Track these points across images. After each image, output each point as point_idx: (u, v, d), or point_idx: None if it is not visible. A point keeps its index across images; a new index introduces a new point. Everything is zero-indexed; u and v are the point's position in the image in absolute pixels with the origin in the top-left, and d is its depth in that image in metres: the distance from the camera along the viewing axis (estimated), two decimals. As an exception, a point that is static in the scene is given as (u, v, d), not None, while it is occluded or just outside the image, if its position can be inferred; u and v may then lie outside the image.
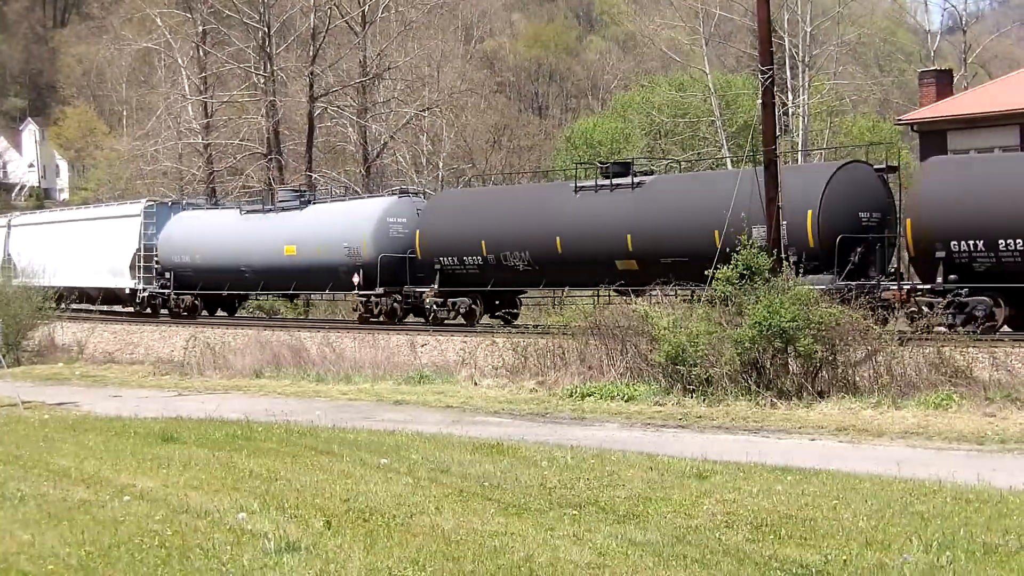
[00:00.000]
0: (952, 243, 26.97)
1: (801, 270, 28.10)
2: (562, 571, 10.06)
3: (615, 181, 33.98)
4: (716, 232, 28.71)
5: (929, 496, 13.20)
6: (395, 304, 39.51)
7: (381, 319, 39.71)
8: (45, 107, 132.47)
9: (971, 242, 26.77)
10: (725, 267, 25.65)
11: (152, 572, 10.24)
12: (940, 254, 27.21)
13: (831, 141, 63.21)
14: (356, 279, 39.44)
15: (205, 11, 65.70)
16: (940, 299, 27.16)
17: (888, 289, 28.44)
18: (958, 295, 27.02)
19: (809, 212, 29.44)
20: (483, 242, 36.21)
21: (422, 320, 39.38)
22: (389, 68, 66.08)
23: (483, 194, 42.28)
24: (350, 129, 66.76)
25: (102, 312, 52.86)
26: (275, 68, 63.34)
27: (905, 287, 28.36)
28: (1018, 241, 26.03)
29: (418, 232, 38.25)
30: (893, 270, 30.66)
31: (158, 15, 68.32)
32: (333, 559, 10.48)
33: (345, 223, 40.43)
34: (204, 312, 47.42)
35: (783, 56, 54.29)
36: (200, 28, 66.02)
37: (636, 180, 33.63)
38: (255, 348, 36.79)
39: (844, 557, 10.40)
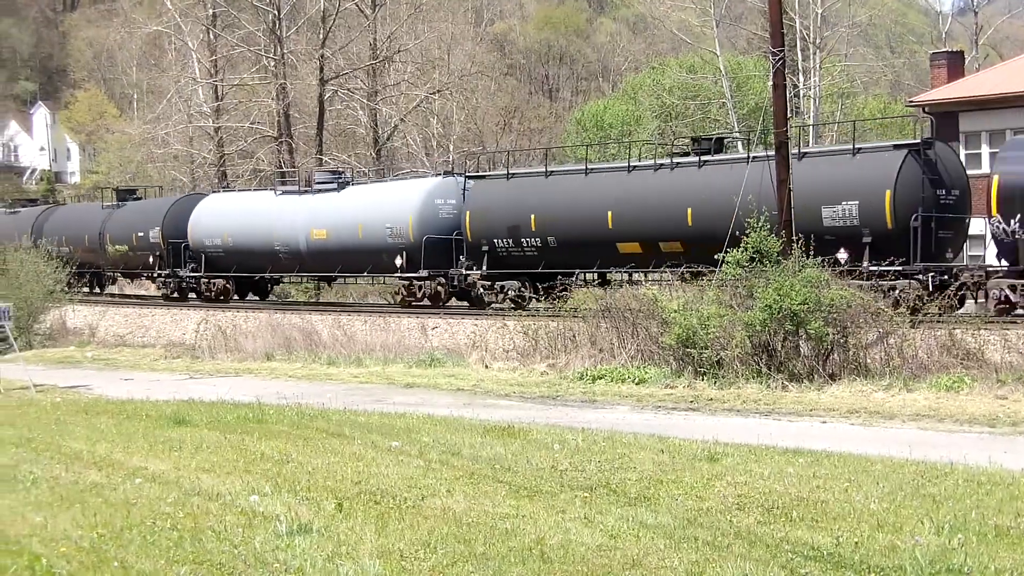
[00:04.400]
0: None
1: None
2: (573, 553, 10.07)
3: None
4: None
5: (941, 479, 13.18)
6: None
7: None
8: (56, 91, 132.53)
9: None
10: (735, 250, 25.61)
11: (164, 554, 10.26)
12: None
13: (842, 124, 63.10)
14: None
15: (215, -6, 65.71)
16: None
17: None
18: None
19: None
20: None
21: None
22: (399, 51, 65.96)
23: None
24: (360, 112, 66.72)
25: (111, 296, 54.30)
26: (285, 51, 63.27)
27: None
28: None
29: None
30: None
31: (168, -2, 68.33)
32: (345, 541, 10.50)
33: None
34: None
35: (794, 38, 54.19)
36: (210, 11, 65.94)
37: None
38: (266, 331, 36.81)
39: (856, 539, 10.40)
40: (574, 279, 35.02)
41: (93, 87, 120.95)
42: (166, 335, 42.44)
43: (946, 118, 41.40)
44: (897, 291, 27.80)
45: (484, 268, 36.89)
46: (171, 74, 71.92)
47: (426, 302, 38.89)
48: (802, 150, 31.63)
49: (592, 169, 35.63)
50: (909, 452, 14.90)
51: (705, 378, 24.42)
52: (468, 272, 37.46)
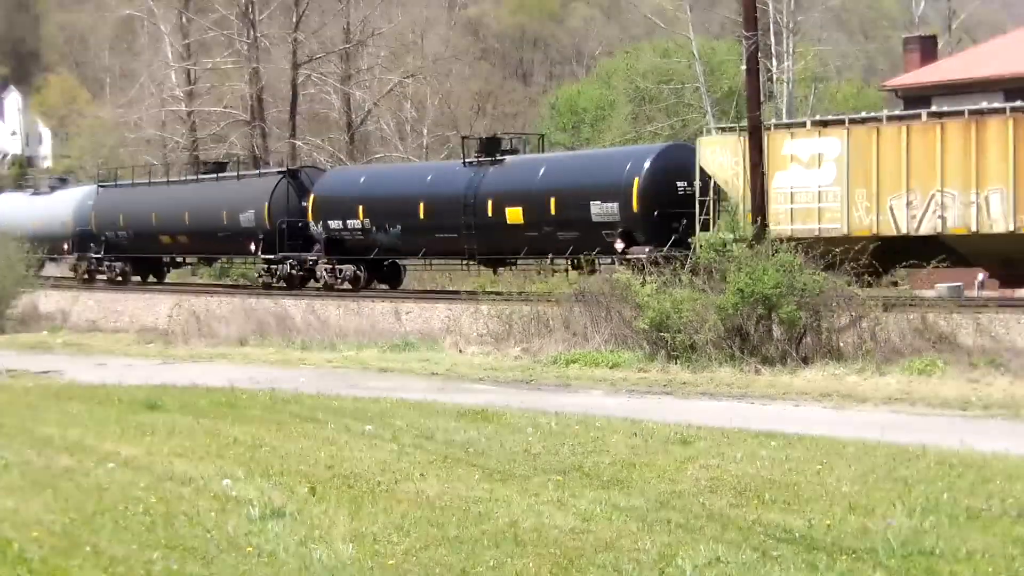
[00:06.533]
0: None
1: None
2: (546, 536, 10.08)
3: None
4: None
5: (913, 461, 13.24)
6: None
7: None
8: (28, 74, 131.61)
9: None
10: (709, 233, 25.67)
11: (136, 539, 10.24)
12: None
13: (816, 107, 63.14)
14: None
15: (187, -23, 65.38)
16: None
17: None
18: None
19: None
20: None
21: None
22: (373, 35, 65.74)
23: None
24: (334, 96, 66.52)
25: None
26: (258, 35, 63.00)
27: None
28: None
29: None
30: None
31: (140, -19, 67.92)
32: (318, 525, 10.50)
33: None
34: None
35: (767, 22, 54.05)
36: (182, -6, 65.64)
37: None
38: (240, 316, 36.74)
39: (828, 522, 10.43)
40: (163, 260, 50.92)
41: (65, 71, 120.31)
42: (139, 320, 42.30)
43: (919, 102, 41.47)
44: (277, 271, 41.27)
45: (103, 252, 50.42)
46: (143, 58, 71.65)
47: (85, 276, 51.55)
48: (231, 174, 46.38)
49: (154, 182, 49.96)
50: (881, 435, 14.95)
51: (678, 362, 24.45)
52: (95, 256, 50.78)
